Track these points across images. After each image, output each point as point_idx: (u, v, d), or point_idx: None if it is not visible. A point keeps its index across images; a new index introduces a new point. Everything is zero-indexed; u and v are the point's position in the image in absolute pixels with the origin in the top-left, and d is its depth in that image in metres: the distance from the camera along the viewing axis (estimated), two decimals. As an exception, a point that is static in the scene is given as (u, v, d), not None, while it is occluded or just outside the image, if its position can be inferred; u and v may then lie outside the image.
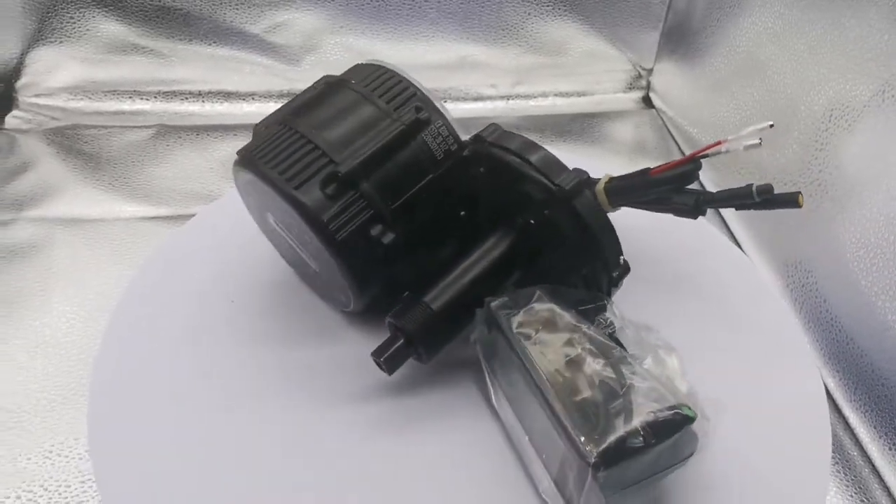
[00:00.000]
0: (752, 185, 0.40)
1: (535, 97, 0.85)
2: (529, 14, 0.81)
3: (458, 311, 0.38)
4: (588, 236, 0.38)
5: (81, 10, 0.75)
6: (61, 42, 0.76)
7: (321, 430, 0.39)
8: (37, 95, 0.77)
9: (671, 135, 0.81)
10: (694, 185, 0.43)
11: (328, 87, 0.41)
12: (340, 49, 0.80)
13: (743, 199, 0.40)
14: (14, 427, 0.50)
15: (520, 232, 0.40)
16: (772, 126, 0.40)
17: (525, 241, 0.40)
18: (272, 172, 0.37)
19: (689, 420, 0.32)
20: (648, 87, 0.88)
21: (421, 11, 0.79)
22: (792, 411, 0.40)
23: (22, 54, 0.76)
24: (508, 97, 0.85)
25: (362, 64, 0.42)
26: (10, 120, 0.75)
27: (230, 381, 0.41)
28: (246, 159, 0.39)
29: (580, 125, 0.83)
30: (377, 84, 0.40)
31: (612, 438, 0.31)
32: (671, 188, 0.42)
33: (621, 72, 0.88)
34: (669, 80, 0.85)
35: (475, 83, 0.84)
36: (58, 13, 0.74)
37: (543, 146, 0.39)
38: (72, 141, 0.73)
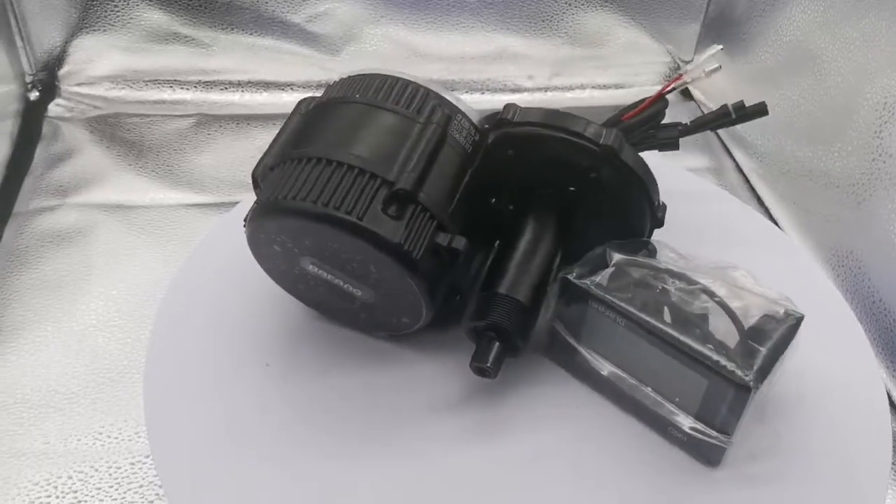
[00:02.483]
0: (727, 104, 0.45)
1: (572, 89, 0.85)
2: (569, 5, 0.81)
3: (538, 296, 0.38)
4: (638, 186, 0.38)
5: (124, -2, 0.75)
6: (104, 30, 0.76)
7: (427, 438, 0.38)
8: (79, 84, 0.78)
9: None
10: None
11: (319, 109, 0.38)
12: (380, 39, 0.80)
13: (722, 118, 0.45)
14: (64, 408, 0.50)
15: (560, 203, 0.40)
16: (721, 49, 0.45)
17: (567, 210, 0.40)
18: (323, 209, 0.34)
19: (801, 318, 0.34)
20: (687, 79, 0.87)
21: (462, 2, 0.79)
22: (848, 399, 0.40)
23: (65, 43, 0.77)
24: (546, 89, 0.85)
25: (348, 77, 0.40)
26: (53, 108, 0.76)
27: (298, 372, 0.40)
28: (277, 206, 0.35)
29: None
30: (386, 92, 0.38)
31: (758, 358, 0.33)
32: (647, 128, 0.46)
33: (660, 64, 0.87)
34: (709, 73, 0.84)
35: (513, 74, 0.84)
36: (101, 1, 0.75)
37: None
38: (114, 129, 0.74)
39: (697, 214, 0.47)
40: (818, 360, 0.38)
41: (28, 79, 0.77)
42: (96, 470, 0.47)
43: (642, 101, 0.46)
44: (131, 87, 0.78)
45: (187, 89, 0.79)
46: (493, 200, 0.41)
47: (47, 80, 0.77)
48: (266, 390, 0.40)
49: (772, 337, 0.33)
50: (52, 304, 0.57)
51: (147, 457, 0.48)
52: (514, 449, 0.37)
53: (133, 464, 0.48)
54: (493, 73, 0.83)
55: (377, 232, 0.34)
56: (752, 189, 0.72)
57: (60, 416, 0.50)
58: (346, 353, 0.41)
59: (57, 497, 0.46)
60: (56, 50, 0.77)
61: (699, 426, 0.35)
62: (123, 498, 0.46)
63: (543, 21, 0.82)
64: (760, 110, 0.45)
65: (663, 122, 0.47)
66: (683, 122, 0.46)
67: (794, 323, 0.34)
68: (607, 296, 0.36)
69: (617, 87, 0.86)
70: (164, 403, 0.39)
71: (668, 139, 0.46)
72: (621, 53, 0.85)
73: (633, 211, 0.40)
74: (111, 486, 0.47)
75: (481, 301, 0.38)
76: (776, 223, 0.68)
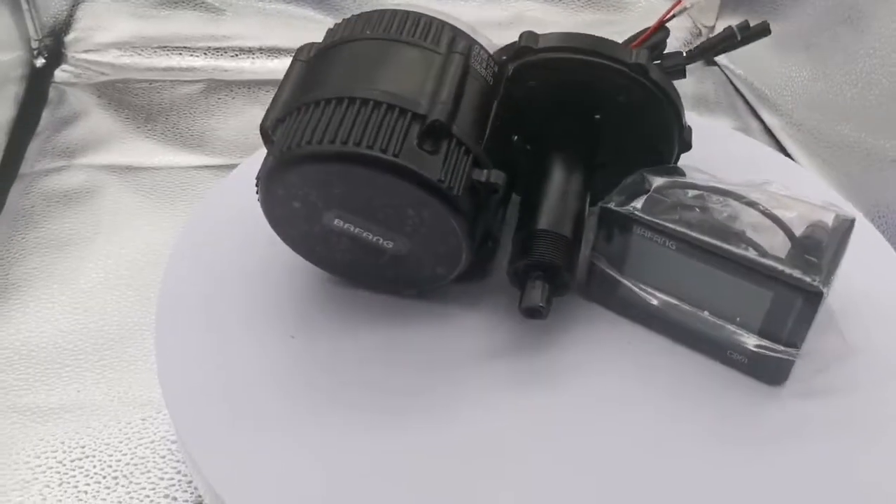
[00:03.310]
0: (731, 26, 0.43)
1: (591, 56, 0.83)
2: (589, -34, 0.79)
3: (579, 229, 0.37)
4: (668, 105, 0.37)
5: (133, -40, 0.73)
6: (111, -7, 0.74)
7: (478, 388, 0.35)
8: (86, 51, 0.76)
9: (737, 89, 0.78)
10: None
11: (325, 52, 0.36)
12: (395, 4, 0.78)
13: (728, 41, 0.44)
14: (71, 364, 0.48)
15: (585, 133, 0.39)
16: None
17: (593, 140, 0.39)
18: (355, 149, 0.31)
19: (853, 221, 0.33)
20: (709, 45, 0.85)
21: (479, -37, 0.77)
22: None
23: (71, 7, 0.75)
24: (564, 55, 0.83)
25: (351, 17, 0.37)
26: (59, 74, 0.74)
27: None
28: (299, 153, 0.32)
29: (638, 84, 0.80)
30: (399, 25, 0.35)
31: (822, 262, 0.31)
32: (651, 58, 0.45)
33: (681, 29, 0.84)
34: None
35: (530, 40, 0.82)
36: (109, -35, 0.73)
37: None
38: (122, 94, 0.72)
39: (711, 154, 0.45)
40: (849, 270, 0.36)
41: (34, 45, 0.75)
42: (105, 425, 0.45)
43: (643, 31, 0.44)
44: (140, 55, 0.76)
45: (197, 56, 0.77)
46: (516, 138, 0.40)
47: (53, 47, 0.75)
48: (279, 344, 0.37)
49: (828, 242, 0.32)
50: (59, 263, 0.55)
51: (158, 412, 0.46)
52: (573, 393, 0.35)
53: (144, 419, 0.46)
54: (511, 38, 0.81)
55: (416, 170, 0.31)
56: (783, 149, 0.70)
57: (68, 373, 0.48)
58: (366, 309, 0.38)
59: (64, 451, 0.44)
60: (62, 14, 0.75)
61: (765, 343, 0.33)
62: (134, 453, 0.44)
63: (562, -16, 0.80)
64: (764, 29, 0.44)
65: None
66: (687, 50, 0.45)
67: (848, 226, 0.33)
68: (655, 219, 0.34)
69: (637, 53, 0.84)
70: (176, 355, 0.37)
71: (675, 66, 0.44)
72: (641, 19, 0.82)
73: (662, 134, 0.38)
74: (120, 442, 0.44)
75: (523, 240, 0.36)
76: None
